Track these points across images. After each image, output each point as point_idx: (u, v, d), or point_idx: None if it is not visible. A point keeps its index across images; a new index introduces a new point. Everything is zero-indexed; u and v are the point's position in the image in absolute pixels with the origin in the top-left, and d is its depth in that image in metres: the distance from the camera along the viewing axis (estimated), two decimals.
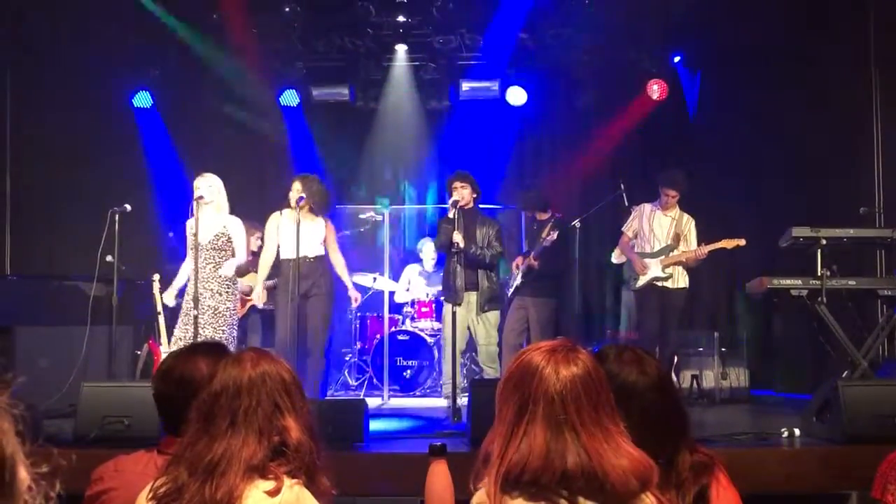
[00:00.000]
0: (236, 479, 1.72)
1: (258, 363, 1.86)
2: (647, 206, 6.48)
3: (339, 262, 6.00)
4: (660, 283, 6.23)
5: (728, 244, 6.09)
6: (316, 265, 5.80)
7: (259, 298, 5.95)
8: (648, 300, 6.30)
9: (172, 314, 5.70)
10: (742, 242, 6.07)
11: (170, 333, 5.61)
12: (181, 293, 5.62)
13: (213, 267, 5.45)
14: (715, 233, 6.25)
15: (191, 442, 1.78)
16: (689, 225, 6.38)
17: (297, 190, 5.76)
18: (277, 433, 1.80)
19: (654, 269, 6.24)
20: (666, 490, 1.86)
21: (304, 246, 5.66)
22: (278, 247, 5.86)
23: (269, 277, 6.31)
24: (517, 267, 6.49)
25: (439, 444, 2.49)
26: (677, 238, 6.30)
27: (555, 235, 6.16)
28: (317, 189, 5.86)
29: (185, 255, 5.71)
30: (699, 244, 6.25)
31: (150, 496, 1.77)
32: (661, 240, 6.34)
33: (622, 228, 6.55)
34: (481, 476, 1.68)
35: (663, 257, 6.25)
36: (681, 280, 6.29)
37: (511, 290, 6.47)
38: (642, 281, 6.27)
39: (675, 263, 6.23)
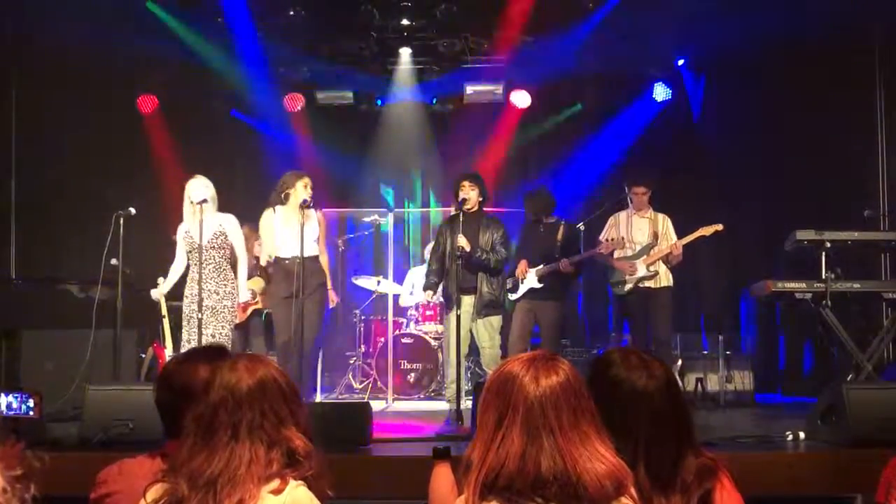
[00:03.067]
0: (254, 489, 1.71)
1: (255, 371, 1.84)
2: (622, 214, 6.44)
3: (323, 259, 5.79)
4: (644, 284, 6.21)
5: (706, 231, 6.07)
6: (308, 263, 5.49)
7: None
8: (634, 304, 6.28)
9: (177, 317, 5.70)
10: (720, 227, 6.04)
11: (174, 337, 5.60)
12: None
13: (214, 267, 5.38)
14: (720, 235, 6.23)
15: (189, 454, 1.76)
16: (665, 223, 6.35)
17: (308, 188, 5.59)
18: (285, 442, 1.80)
19: (639, 269, 6.22)
20: (670, 494, 1.86)
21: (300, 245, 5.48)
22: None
23: (250, 276, 6.10)
24: (523, 273, 6.32)
25: (443, 447, 2.50)
26: (656, 236, 6.28)
27: (612, 247, 6.14)
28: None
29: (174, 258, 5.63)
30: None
31: None
32: (642, 242, 6.32)
33: (599, 237, 6.51)
34: (461, 484, 1.69)
35: (645, 256, 6.24)
36: (664, 279, 6.25)
37: (518, 294, 6.32)
38: (630, 283, 6.24)
39: (658, 259, 6.21)
